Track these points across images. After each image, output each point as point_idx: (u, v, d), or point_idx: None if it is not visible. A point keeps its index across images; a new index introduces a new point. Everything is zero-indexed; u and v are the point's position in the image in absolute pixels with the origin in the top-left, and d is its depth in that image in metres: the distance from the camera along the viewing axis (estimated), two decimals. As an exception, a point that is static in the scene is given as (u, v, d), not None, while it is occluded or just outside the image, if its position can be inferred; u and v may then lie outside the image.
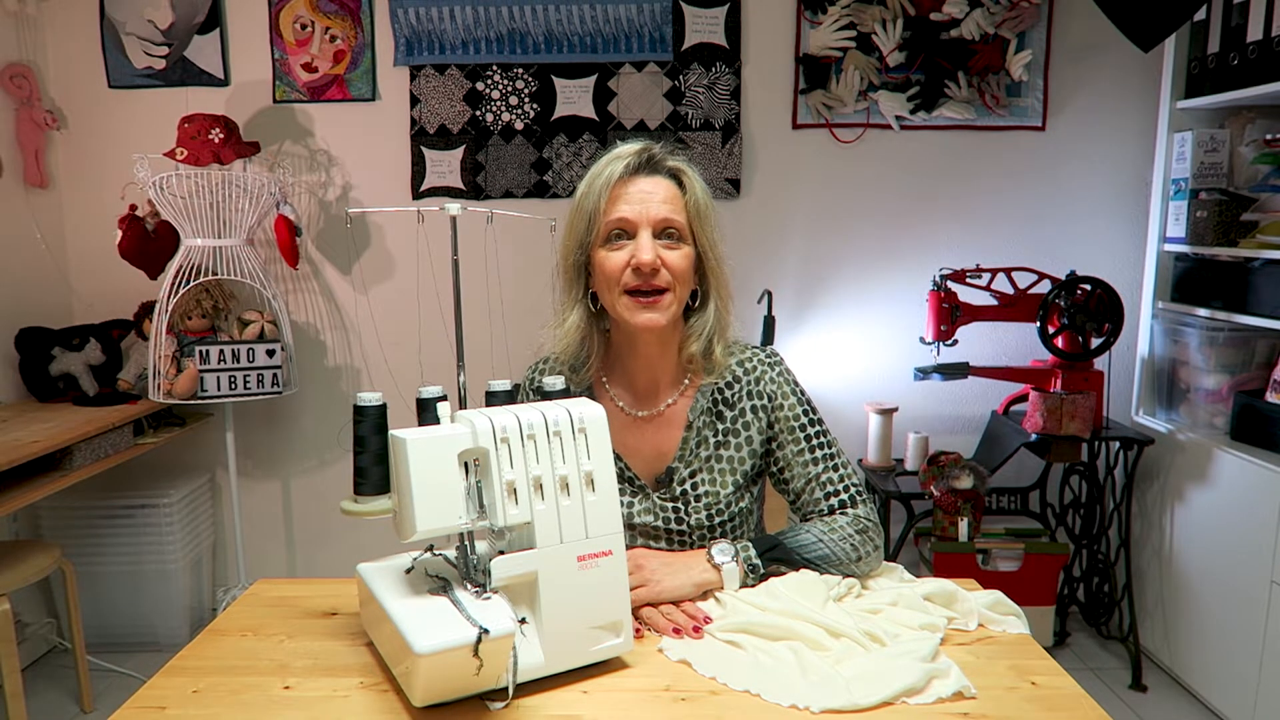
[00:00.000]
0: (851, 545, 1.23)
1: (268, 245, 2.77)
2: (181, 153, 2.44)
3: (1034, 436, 2.49)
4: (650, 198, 1.24)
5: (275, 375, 2.54)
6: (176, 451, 2.90)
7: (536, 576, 0.98)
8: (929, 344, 2.61)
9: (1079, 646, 2.75)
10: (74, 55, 2.77)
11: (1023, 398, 2.72)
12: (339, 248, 2.86)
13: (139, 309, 2.73)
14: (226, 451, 2.70)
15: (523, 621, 0.98)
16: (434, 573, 1.04)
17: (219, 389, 2.49)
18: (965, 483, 2.46)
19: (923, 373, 2.61)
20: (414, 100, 2.78)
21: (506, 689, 0.94)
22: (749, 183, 2.82)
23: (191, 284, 2.50)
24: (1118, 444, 2.63)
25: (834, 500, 1.28)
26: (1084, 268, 2.65)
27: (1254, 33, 2.25)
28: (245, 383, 2.51)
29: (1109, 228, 2.84)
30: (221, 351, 2.48)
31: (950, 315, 2.57)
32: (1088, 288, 2.47)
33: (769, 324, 2.55)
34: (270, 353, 2.53)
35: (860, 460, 2.73)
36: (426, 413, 1.03)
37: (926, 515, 2.56)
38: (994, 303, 2.60)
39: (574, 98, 2.77)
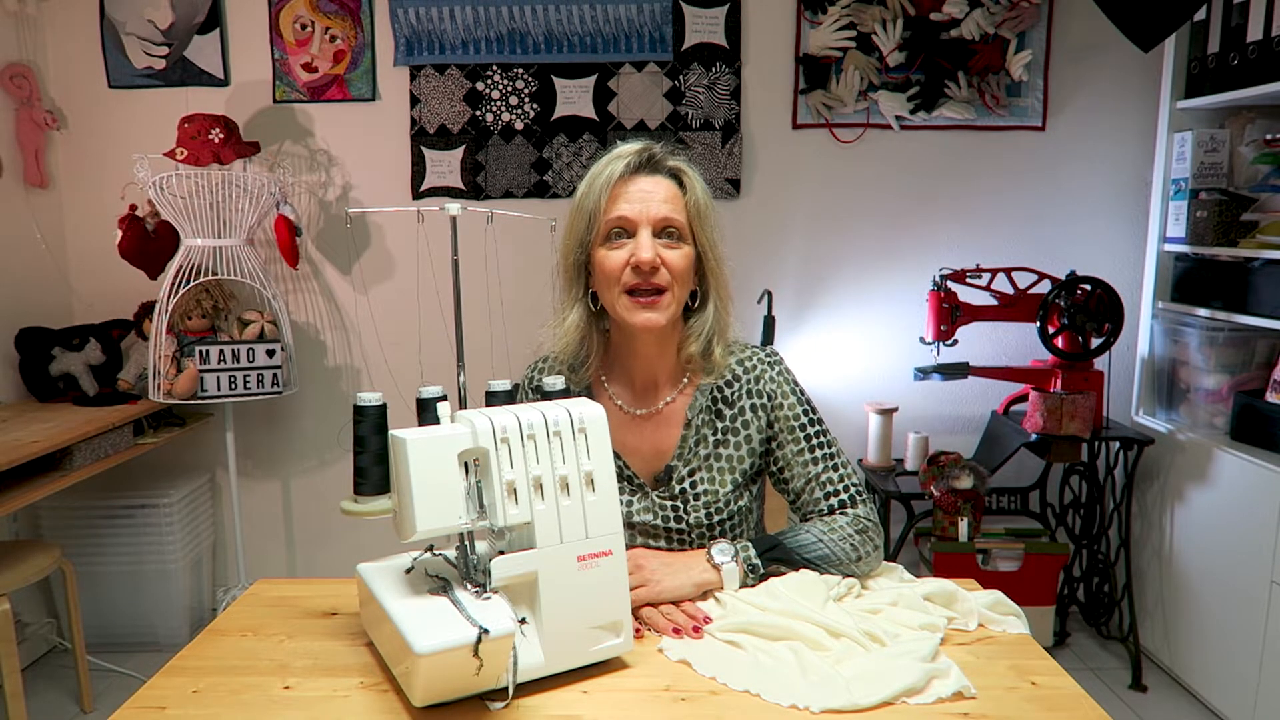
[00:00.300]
0: (851, 545, 1.23)
1: (268, 245, 2.77)
2: (181, 153, 2.44)
3: (1034, 436, 2.49)
4: (650, 197, 1.25)
5: (275, 375, 2.54)
6: (176, 451, 2.90)
7: (536, 576, 0.98)
8: (929, 344, 2.61)
9: (1079, 646, 2.75)
10: (74, 55, 2.77)
11: (1023, 398, 2.72)
12: (339, 248, 2.86)
13: (139, 309, 2.73)
14: (226, 451, 2.70)
15: (523, 621, 0.98)
16: (434, 573, 1.04)
17: (219, 389, 2.49)
18: (965, 483, 2.46)
19: (923, 373, 2.61)
20: (414, 100, 2.78)
21: (506, 689, 0.94)
22: (749, 183, 2.82)
23: (191, 284, 2.50)
24: (1118, 444, 2.63)
25: (834, 500, 1.28)
26: (1084, 268, 2.65)
27: (1254, 33, 2.25)
28: (245, 383, 2.51)
29: (1109, 228, 2.84)
30: (221, 351, 2.48)
31: (950, 315, 2.57)
32: (1088, 288, 2.47)
33: (769, 324, 2.55)
34: (270, 353, 2.53)
35: (860, 460, 2.73)
36: (426, 413, 1.03)
37: (926, 515, 2.56)
38: (994, 303, 2.60)
39: (574, 98, 2.77)
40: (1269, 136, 2.30)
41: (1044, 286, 2.58)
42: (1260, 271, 2.26)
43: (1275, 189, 2.27)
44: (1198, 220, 2.45)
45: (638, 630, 1.11)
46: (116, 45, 2.75)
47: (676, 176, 1.29)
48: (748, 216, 2.82)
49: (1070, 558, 2.78)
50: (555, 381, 1.11)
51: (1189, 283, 2.56)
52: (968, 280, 2.58)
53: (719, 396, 1.33)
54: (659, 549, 1.30)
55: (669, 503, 1.31)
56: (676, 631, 1.09)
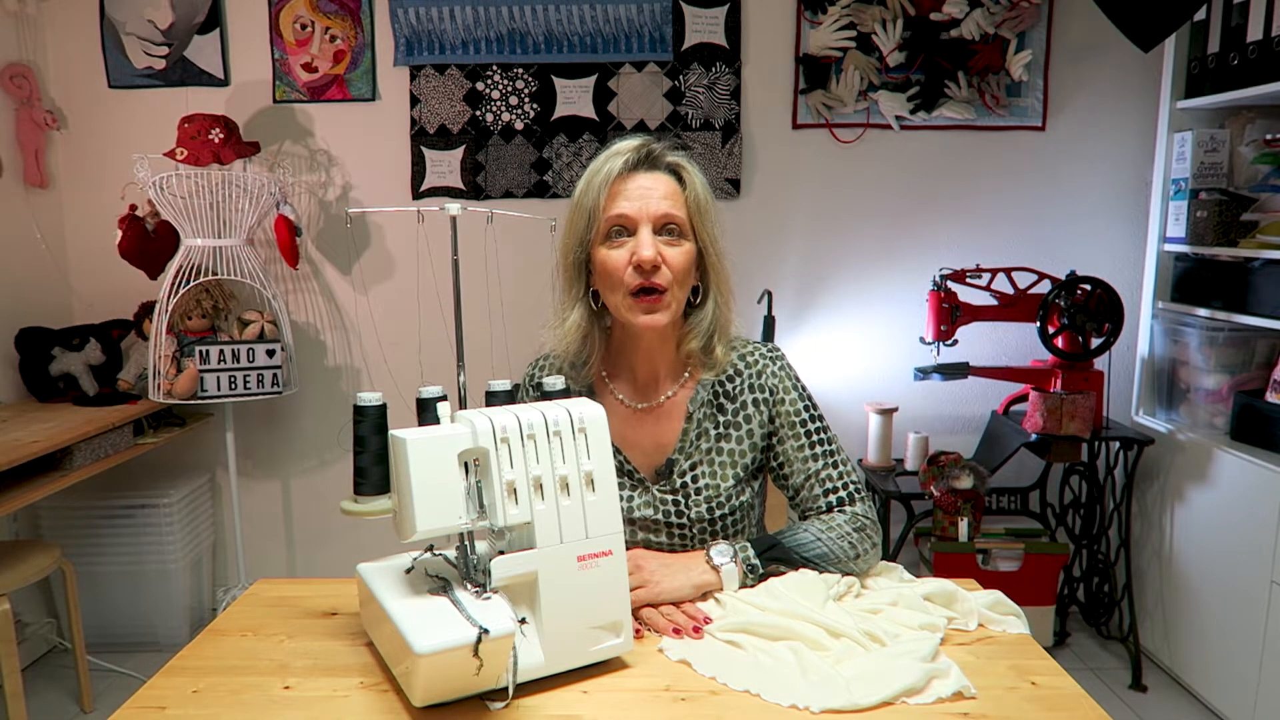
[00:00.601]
0: (850, 543, 1.23)
1: (268, 245, 2.77)
2: (181, 153, 2.44)
3: (1034, 436, 2.49)
4: (650, 194, 1.24)
5: (275, 375, 2.54)
6: (176, 451, 2.90)
7: (536, 576, 0.98)
8: (929, 344, 2.61)
9: (1079, 646, 2.75)
10: (74, 55, 2.77)
11: (1023, 398, 2.72)
12: (339, 248, 2.86)
13: (139, 309, 2.73)
14: (226, 451, 2.70)
15: (523, 621, 0.98)
16: (434, 573, 1.04)
17: (219, 389, 2.49)
18: (965, 483, 2.46)
19: (923, 373, 2.61)
20: (414, 100, 2.78)
21: (506, 689, 0.94)
22: (749, 183, 2.82)
23: (191, 284, 2.50)
24: (1118, 444, 2.63)
25: (833, 497, 1.28)
26: (1084, 268, 2.65)
27: (1254, 33, 2.25)
28: (245, 383, 2.51)
29: (1109, 228, 2.84)
30: (221, 351, 2.48)
31: (950, 315, 2.57)
32: (1088, 288, 2.47)
33: (769, 324, 2.55)
34: (270, 353, 2.53)
35: (860, 460, 2.73)
36: (426, 413, 1.03)
37: (926, 515, 2.56)
38: (994, 303, 2.60)
39: (574, 98, 2.77)
40: (1269, 136, 2.30)
41: (1044, 286, 2.58)
42: (1260, 271, 2.26)
43: (1275, 189, 2.27)
44: (1198, 220, 2.45)
45: (638, 630, 1.11)
46: (116, 45, 2.75)
47: (676, 172, 1.28)
48: (748, 216, 2.82)
49: (1070, 558, 2.78)
50: (555, 381, 1.11)
51: (1189, 283, 2.56)
52: (968, 280, 2.58)
53: (720, 391, 1.33)
54: (660, 544, 1.30)
55: (670, 497, 1.31)
56: (676, 632, 1.09)
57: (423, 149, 2.80)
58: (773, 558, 1.21)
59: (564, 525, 0.99)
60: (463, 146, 2.79)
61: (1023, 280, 2.60)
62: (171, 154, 2.45)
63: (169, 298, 2.48)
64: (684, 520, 1.30)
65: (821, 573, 1.20)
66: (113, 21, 2.74)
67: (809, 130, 2.79)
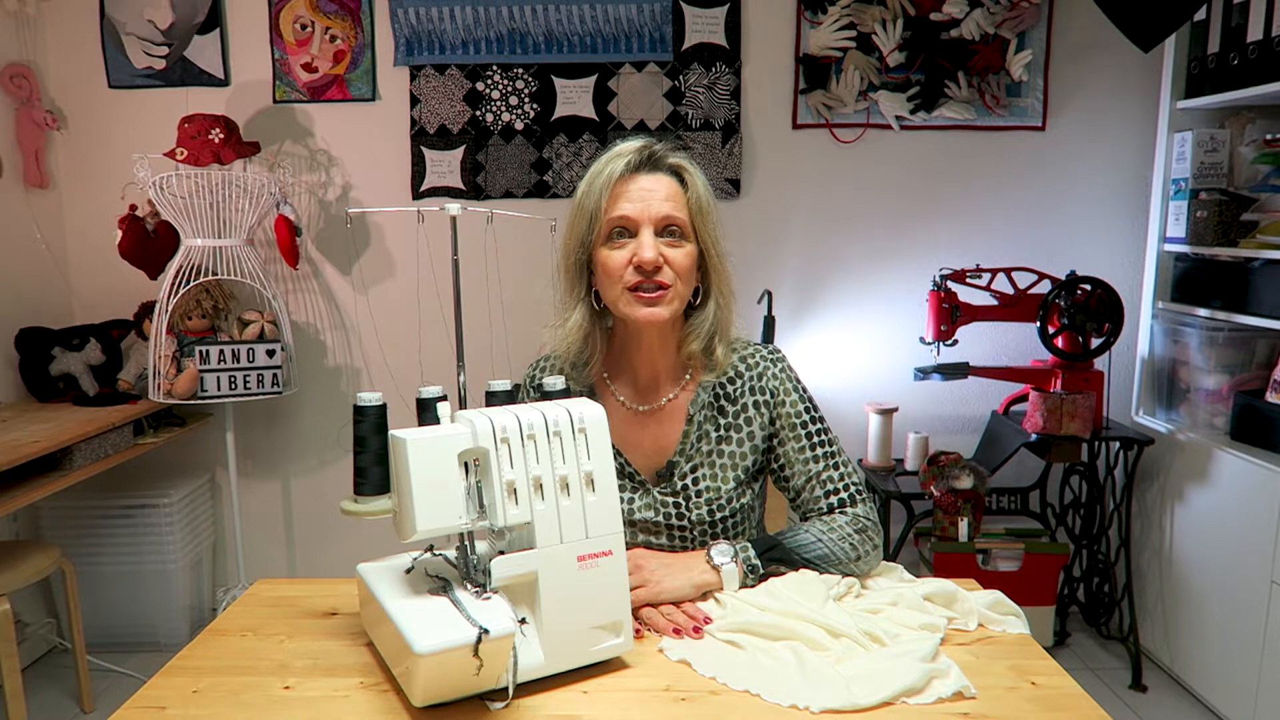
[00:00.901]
0: (850, 545, 1.23)
1: (268, 245, 2.77)
2: (181, 153, 2.44)
3: (1034, 436, 2.49)
4: (652, 195, 1.24)
5: (275, 375, 2.54)
6: (176, 451, 2.90)
7: (536, 576, 0.98)
8: (929, 344, 2.61)
9: (1079, 646, 2.75)
10: (74, 55, 2.77)
11: (1023, 398, 2.72)
12: (339, 248, 2.86)
13: (139, 309, 2.73)
14: (226, 451, 2.70)
15: (523, 621, 0.98)
16: (434, 573, 1.04)
17: (219, 389, 2.49)
18: (965, 483, 2.46)
19: (923, 373, 2.61)
20: (414, 100, 2.78)
21: (506, 689, 0.94)
22: (749, 183, 2.82)
23: (191, 284, 2.50)
24: (1118, 444, 2.63)
25: (834, 499, 1.28)
26: (1084, 268, 2.65)
27: (1254, 33, 2.25)
28: (245, 383, 2.51)
29: (1109, 228, 2.84)
30: (221, 351, 2.48)
31: (950, 315, 2.57)
32: (1088, 288, 2.47)
33: (769, 324, 2.55)
34: (270, 353, 2.53)
35: (860, 460, 2.73)
36: (426, 413, 1.03)
37: (926, 515, 2.56)
38: (994, 303, 2.60)
39: (574, 98, 2.77)
40: (1269, 136, 2.30)
41: (1044, 286, 2.58)
42: (1260, 271, 2.26)
43: (1275, 189, 2.27)
44: (1198, 220, 2.45)
45: (638, 630, 1.11)
46: (116, 45, 2.75)
47: (677, 174, 1.28)
48: (748, 216, 2.82)
49: (1070, 558, 2.78)
50: (555, 381, 1.11)
51: (1189, 283, 2.56)
52: (968, 280, 2.58)
53: (721, 393, 1.33)
54: (660, 546, 1.30)
55: (671, 499, 1.31)
56: (677, 632, 1.09)
57: (423, 149, 2.80)
58: (773, 558, 1.21)
59: (564, 525, 0.99)
60: (463, 146, 2.79)
61: (1023, 280, 2.60)
62: (171, 154, 2.45)
63: (169, 298, 2.48)
64: (685, 522, 1.30)
65: (822, 573, 1.20)
66: (113, 21, 2.74)
67: (809, 130, 2.79)
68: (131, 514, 2.69)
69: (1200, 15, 2.40)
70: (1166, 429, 2.56)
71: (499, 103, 2.77)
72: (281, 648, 1.09)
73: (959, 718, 0.93)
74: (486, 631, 0.89)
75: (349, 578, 1.20)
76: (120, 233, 2.51)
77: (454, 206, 1.23)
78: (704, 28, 2.74)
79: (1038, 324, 2.48)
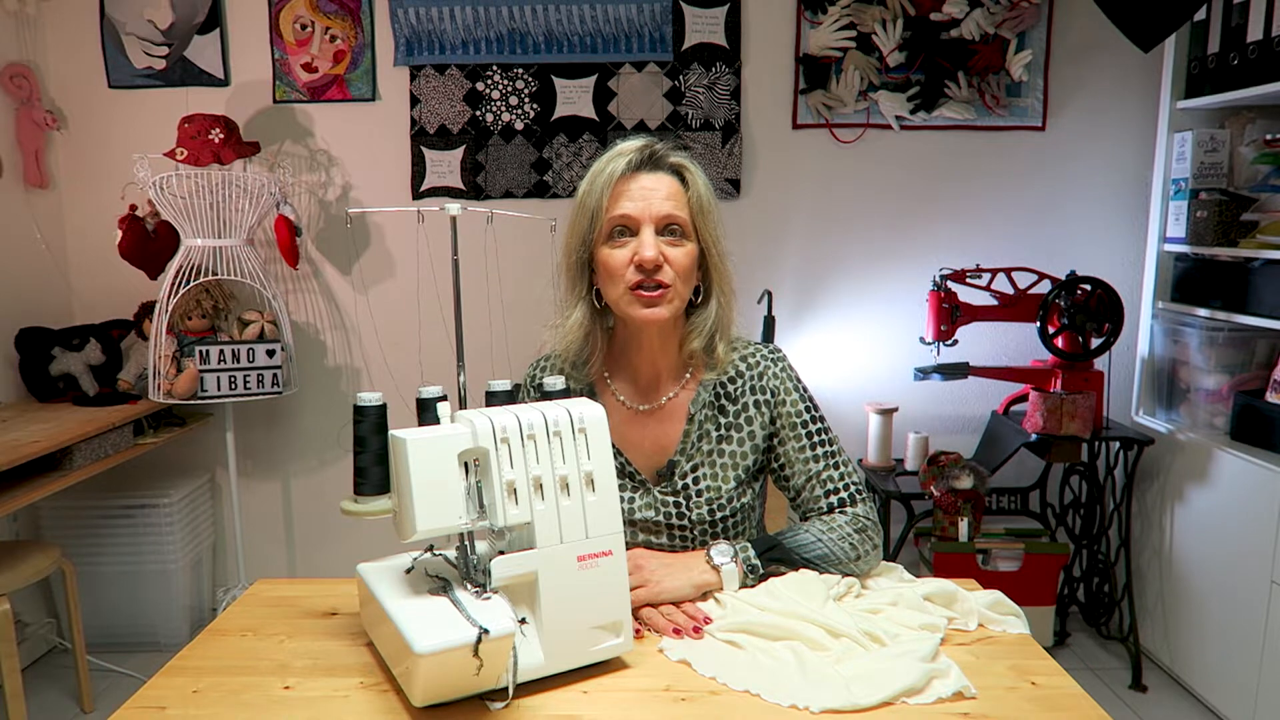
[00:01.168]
0: (850, 544, 1.23)
1: (268, 245, 2.77)
2: (181, 153, 2.44)
3: (1034, 436, 2.49)
4: (653, 194, 1.24)
5: (275, 375, 2.54)
6: (176, 451, 2.90)
7: (536, 576, 0.97)
8: (929, 344, 2.61)
9: (1079, 646, 2.75)
10: (74, 55, 2.77)
11: (1023, 398, 2.72)
12: (339, 248, 2.86)
13: (139, 309, 2.73)
14: (226, 451, 2.70)
15: (523, 621, 0.98)
16: (434, 573, 1.04)
17: (219, 389, 2.49)
18: (965, 483, 2.46)
19: (923, 373, 2.61)
20: (414, 100, 2.78)
21: (506, 689, 0.94)
22: (749, 183, 2.82)
23: (191, 284, 2.50)
24: (1118, 444, 2.63)
25: (834, 498, 1.28)
26: (1084, 268, 2.65)
27: (1254, 33, 2.25)
28: (245, 383, 2.51)
29: (1109, 228, 2.84)
30: (221, 351, 2.48)
31: (950, 315, 2.57)
32: (1088, 288, 2.47)
33: (769, 324, 2.55)
34: (270, 353, 2.53)
35: (860, 460, 2.73)
36: (426, 413, 1.03)
37: (926, 515, 2.56)
38: (994, 303, 2.60)
39: (574, 98, 2.77)
40: (1269, 136, 2.30)
41: (1044, 286, 2.58)
42: (1260, 271, 2.26)
43: (1275, 189, 2.27)
44: (1198, 220, 2.45)
45: (638, 630, 1.11)
46: (116, 45, 2.75)
47: (679, 173, 1.29)
48: (748, 216, 2.82)
49: (1070, 558, 2.78)
50: (556, 381, 1.11)
51: (1189, 283, 2.56)
52: (968, 280, 2.58)
53: (722, 392, 1.33)
54: (661, 546, 1.30)
55: (671, 499, 1.31)
56: (677, 632, 1.09)
57: (423, 149, 2.80)
58: (773, 558, 1.21)
59: (564, 525, 0.99)
60: (463, 146, 2.79)
61: (1023, 280, 2.60)
62: (171, 154, 2.45)
63: (169, 298, 2.48)
64: (685, 522, 1.30)
65: (822, 573, 1.20)
66: (113, 21, 2.74)
67: (809, 130, 2.79)
68: (131, 514, 2.69)
69: (1200, 15, 2.40)
70: (1166, 429, 2.56)
71: (499, 103, 2.77)
72: (281, 648, 1.09)
73: (959, 718, 0.93)
74: (486, 631, 0.89)
75: (349, 578, 1.20)
76: (120, 233, 2.51)
77: (454, 206, 1.23)
78: (704, 28, 2.74)
79: (1038, 324, 2.48)
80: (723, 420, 1.32)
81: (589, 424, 1.03)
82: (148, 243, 2.56)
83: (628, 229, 1.25)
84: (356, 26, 2.75)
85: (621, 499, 1.24)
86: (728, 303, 1.33)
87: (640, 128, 2.77)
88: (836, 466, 1.30)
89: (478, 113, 2.78)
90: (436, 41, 2.75)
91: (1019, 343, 2.87)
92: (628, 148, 1.27)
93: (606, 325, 1.35)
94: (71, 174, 2.82)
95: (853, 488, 1.29)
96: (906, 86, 2.74)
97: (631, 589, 1.09)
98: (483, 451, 0.98)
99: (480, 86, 2.77)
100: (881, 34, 2.69)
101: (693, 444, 1.31)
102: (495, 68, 2.76)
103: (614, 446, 1.30)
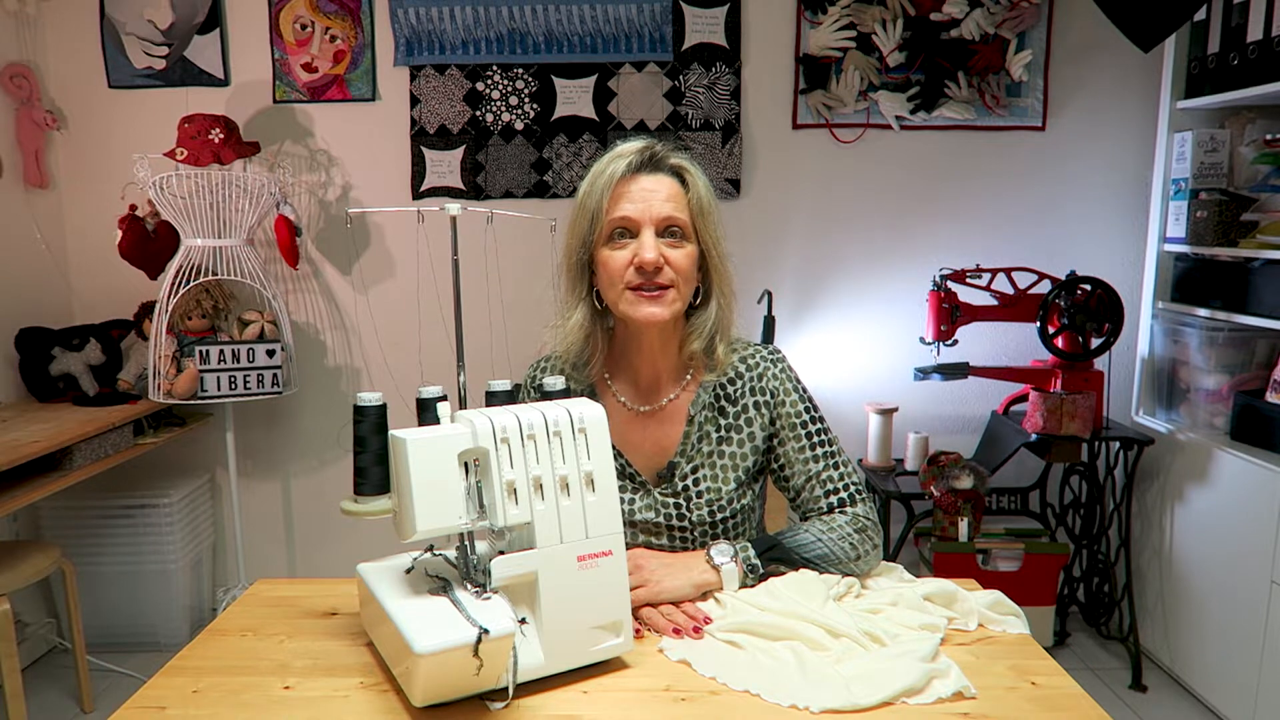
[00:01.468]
0: (850, 544, 1.23)
1: (268, 245, 2.77)
2: (181, 153, 2.44)
3: (1034, 436, 2.49)
4: (653, 196, 1.24)
5: (275, 375, 2.54)
6: (176, 451, 2.90)
7: (536, 576, 0.97)
8: (929, 344, 2.61)
9: (1079, 646, 2.75)
10: (74, 55, 2.77)
11: (1023, 398, 2.72)
12: (339, 248, 2.86)
13: (139, 309, 2.73)
14: (226, 451, 2.70)
15: (523, 621, 0.98)
16: (434, 573, 1.04)
17: (219, 389, 2.49)
18: (965, 483, 2.46)
19: (923, 373, 2.61)
20: (414, 100, 2.78)
21: (506, 689, 0.94)
22: (749, 183, 2.82)
23: (191, 284, 2.50)
24: (1118, 444, 2.63)
25: (834, 499, 1.28)
26: (1084, 268, 2.65)
27: (1254, 33, 2.25)
28: (245, 383, 2.51)
29: (1109, 228, 2.84)
30: (221, 351, 2.48)
31: (950, 315, 2.57)
32: (1088, 288, 2.47)
33: (769, 324, 2.55)
34: (270, 353, 2.53)
35: (860, 460, 2.73)
36: (426, 413, 1.03)
37: (926, 515, 2.56)
38: (994, 303, 2.60)
39: (574, 98, 2.77)
40: (1269, 136, 2.30)
41: (1044, 286, 2.58)
42: (1260, 271, 2.26)
43: (1275, 189, 2.27)
44: (1198, 220, 2.45)
45: (638, 630, 1.11)
46: (116, 45, 2.75)
47: (679, 174, 1.29)
48: (748, 216, 2.82)
49: (1070, 558, 2.78)
50: (556, 381, 1.11)
51: (1189, 283, 2.56)
52: (968, 280, 2.58)
53: (722, 394, 1.33)
54: (661, 547, 1.30)
55: (671, 500, 1.31)
56: (676, 632, 1.09)
57: (423, 149, 2.80)
58: (773, 558, 1.21)
59: (564, 525, 0.99)
60: (463, 146, 2.79)
61: (1023, 280, 2.60)
62: (171, 154, 2.45)
63: (169, 298, 2.48)
64: (685, 523, 1.30)
65: (822, 573, 1.20)
66: (113, 21, 2.74)
67: (809, 130, 2.79)
68: (131, 514, 2.69)
69: (1200, 15, 2.40)
70: (1166, 429, 2.56)
71: (499, 103, 2.77)
72: (281, 648, 1.09)
73: (959, 718, 0.93)
74: (486, 631, 0.89)
75: (349, 578, 1.20)
76: (120, 233, 2.51)
77: (454, 206, 1.23)
78: (704, 28, 2.74)
79: (1038, 324, 2.48)
80: (723, 421, 1.32)
81: (589, 424, 1.03)
82: (148, 243, 2.56)
83: (628, 231, 1.25)
84: (356, 26, 2.75)
85: (621, 500, 1.24)
86: (728, 304, 1.33)
87: (640, 128, 2.77)
88: (836, 467, 1.30)
89: (478, 113, 2.78)
90: (436, 41, 2.75)
91: (1019, 343, 2.87)
92: (628, 149, 1.27)
93: (607, 326, 1.35)
94: (71, 174, 2.82)
95: (852, 488, 1.29)
96: (906, 86, 2.74)
97: (631, 589, 1.09)
98: (483, 451, 0.98)
99: (480, 86, 2.77)
100: (881, 34, 2.69)
101: (693, 445, 1.32)
102: (495, 68, 2.76)
103: (614, 448, 1.30)
